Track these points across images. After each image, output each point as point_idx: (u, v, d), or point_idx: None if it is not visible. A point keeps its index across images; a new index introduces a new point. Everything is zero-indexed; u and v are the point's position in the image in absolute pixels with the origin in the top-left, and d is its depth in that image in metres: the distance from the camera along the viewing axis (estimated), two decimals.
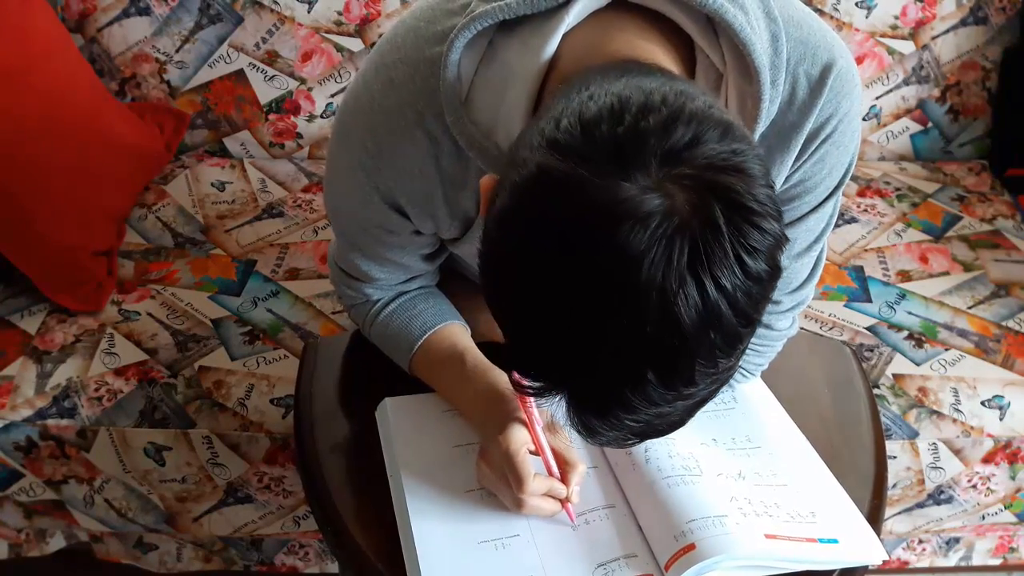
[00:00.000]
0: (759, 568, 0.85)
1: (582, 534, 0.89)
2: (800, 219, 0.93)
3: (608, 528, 0.90)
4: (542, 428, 0.89)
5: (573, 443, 0.94)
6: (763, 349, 1.03)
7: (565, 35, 0.77)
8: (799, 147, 0.86)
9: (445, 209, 0.90)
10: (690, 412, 0.67)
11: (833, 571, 0.89)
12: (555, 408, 0.67)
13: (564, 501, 0.90)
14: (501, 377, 0.96)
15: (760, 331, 0.97)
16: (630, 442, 0.69)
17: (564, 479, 0.90)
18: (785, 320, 1.02)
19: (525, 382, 0.68)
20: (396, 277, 1.04)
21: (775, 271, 0.63)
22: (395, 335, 1.05)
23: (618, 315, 0.60)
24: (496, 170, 0.81)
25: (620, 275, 0.59)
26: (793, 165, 0.88)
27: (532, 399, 0.86)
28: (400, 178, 0.88)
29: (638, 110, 0.61)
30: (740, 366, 0.91)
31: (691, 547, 0.83)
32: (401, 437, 0.97)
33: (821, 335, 1.37)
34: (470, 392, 0.98)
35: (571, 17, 0.77)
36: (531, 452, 0.89)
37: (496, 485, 0.90)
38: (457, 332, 1.05)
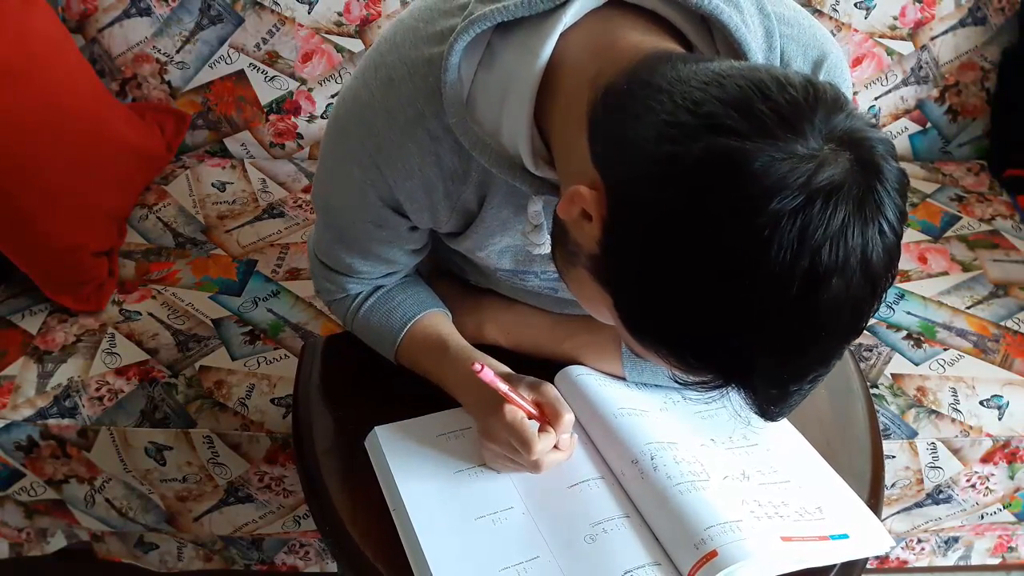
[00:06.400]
0: (775, 569, 0.86)
1: (602, 544, 0.89)
2: None
3: (629, 536, 0.89)
4: (523, 395, 0.92)
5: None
6: None
7: (562, 35, 0.78)
8: None
9: (445, 203, 0.90)
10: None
11: (833, 566, 0.89)
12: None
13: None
14: (485, 360, 0.99)
15: None
16: (791, 408, 0.72)
17: (556, 429, 0.93)
18: None
19: (696, 378, 0.69)
20: (378, 271, 1.04)
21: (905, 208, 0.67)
22: (377, 329, 1.06)
23: (831, 271, 0.61)
24: (501, 169, 0.82)
25: (823, 229, 0.61)
26: None
27: (490, 371, 0.88)
28: (399, 176, 0.88)
29: (777, 85, 0.63)
30: None
31: (713, 554, 0.84)
32: (398, 468, 0.95)
33: None
34: (457, 377, 1.00)
35: (568, 17, 0.77)
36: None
37: (507, 459, 0.93)
38: (437, 320, 1.06)
